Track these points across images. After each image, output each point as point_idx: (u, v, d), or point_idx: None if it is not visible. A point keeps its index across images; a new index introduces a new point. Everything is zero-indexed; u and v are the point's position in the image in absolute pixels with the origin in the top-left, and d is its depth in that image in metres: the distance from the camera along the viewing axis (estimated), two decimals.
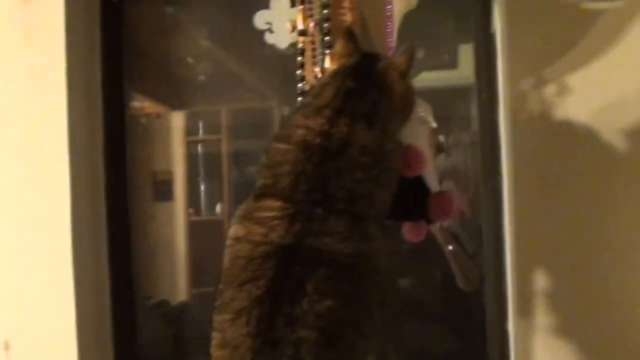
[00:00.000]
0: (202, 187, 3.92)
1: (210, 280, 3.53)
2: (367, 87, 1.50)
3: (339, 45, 1.59)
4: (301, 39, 1.81)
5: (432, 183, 1.80)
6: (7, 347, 2.60)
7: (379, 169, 1.44)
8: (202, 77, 3.53)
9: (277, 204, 1.37)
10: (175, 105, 3.68)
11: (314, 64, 1.78)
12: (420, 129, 1.84)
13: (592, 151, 2.28)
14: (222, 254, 3.42)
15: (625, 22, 2.30)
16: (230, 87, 3.46)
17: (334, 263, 1.33)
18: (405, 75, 1.55)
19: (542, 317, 2.31)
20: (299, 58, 1.82)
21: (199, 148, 3.92)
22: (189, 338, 3.36)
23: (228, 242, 1.42)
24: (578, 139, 2.29)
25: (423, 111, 1.89)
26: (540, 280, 2.32)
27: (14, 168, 2.69)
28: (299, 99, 1.78)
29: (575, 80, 2.29)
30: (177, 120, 3.72)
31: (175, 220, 3.68)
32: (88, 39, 2.80)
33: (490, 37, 2.44)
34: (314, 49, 1.79)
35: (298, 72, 1.82)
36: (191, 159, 3.89)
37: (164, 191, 3.74)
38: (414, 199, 1.75)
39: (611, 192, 2.17)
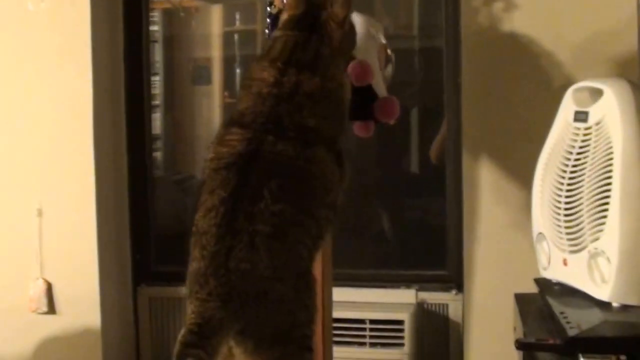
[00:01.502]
0: (238, 73, 4.32)
1: None
2: (310, 38, 1.85)
3: None
4: None
5: (380, 90, 2.23)
6: (40, 213, 3.13)
7: (322, 106, 1.82)
8: None
9: (239, 130, 1.77)
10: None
11: None
12: (370, 45, 2.29)
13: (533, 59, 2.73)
14: None
15: None
16: None
17: (285, 174, 1.72)
18: (342, 23, 1.88)
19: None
20: None
21: (236, 37, 4.33)
22: None
23: (203, 163, 1.81)
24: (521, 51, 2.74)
25: (373, 29, 2.33)
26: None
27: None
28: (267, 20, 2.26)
29: None
30: (215, 12, 4.14)
31: (212, 103, 4.12)
32: None
33: None
34: None
35: None
36: (228, 47, 4.30)
37: (202, 76, 4.16)
38: (363, 103, 2.22)
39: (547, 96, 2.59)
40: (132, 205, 3.36)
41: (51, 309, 3.12)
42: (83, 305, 3.11)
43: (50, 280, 3.12)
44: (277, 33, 1.91)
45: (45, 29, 3.11)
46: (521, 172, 2.63)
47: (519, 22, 2.73)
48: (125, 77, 3.33)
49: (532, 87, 2.74)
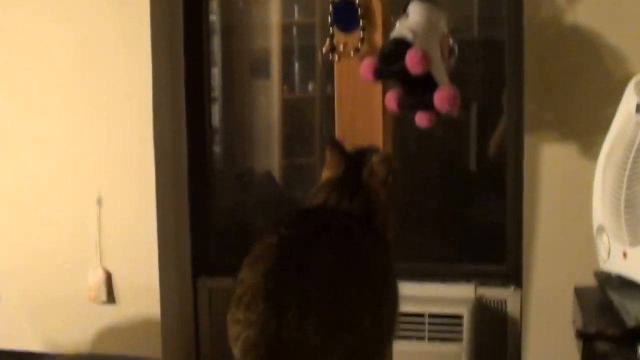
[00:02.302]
0: (297, 67, 4.38)
1: (298, 152, 4.11)
2: (353, 198, 1.83)
3: (328, 155, 1.91)
4: None
5: (441, 79, 2.29)
6: (100, 202, 3.20)
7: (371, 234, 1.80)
8: None
9: None
10: None
11: None
12: (431, 33, 2.33)
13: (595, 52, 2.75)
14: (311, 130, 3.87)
15: None
16: None
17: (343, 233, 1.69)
18: (385, 182, 1.85)
19: None
20: None
21: (294, 30, 4.39)
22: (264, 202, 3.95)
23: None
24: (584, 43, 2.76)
25: (435, 17, 2.37)
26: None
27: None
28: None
29: None
30: (274, 3, 4.20)
31: (271, 96, 4.19)
32: None
33: None
34: None
35: None
36: (287, 40, 4.36)
37: (260, 69, 4.23)
38: (424, 92, 2.28)
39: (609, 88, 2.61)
40: (192, 197, 3.42)
41: (110, 298, 3.19)
42: (143, 295, 3.17)
43: (110, 269, 3.19)
44: (317, 187, 1.90)
45: (105, 19, 3.17)
46: (583, 166, 2.65)
47: (582, 13, 2.74)
48: (185, 68, 3.39)
49: (595, 79, 2.75)
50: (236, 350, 1.51)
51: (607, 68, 2.74)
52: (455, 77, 2.35)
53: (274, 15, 4.20)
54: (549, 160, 2.83)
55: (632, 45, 2.71)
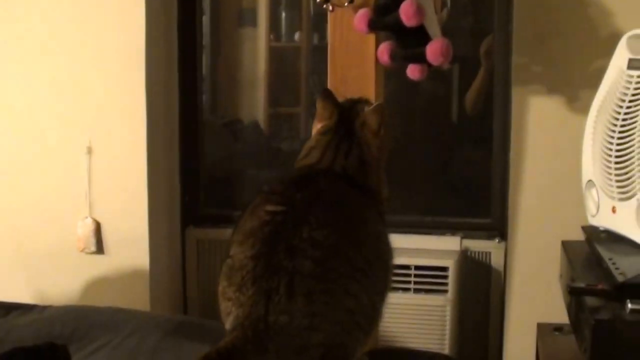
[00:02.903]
0: (284, 16, 4.35)
1: (285, 101, 4.11)
2: (350, 146, 1.83)
3: (319, 105, 1.91)
4: None
5: (434, 32, 2.29)
6: (90, 151, 3.16)
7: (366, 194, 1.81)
8: None
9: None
10: None
11: None
12: None
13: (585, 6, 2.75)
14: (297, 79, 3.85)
15: None
16: None
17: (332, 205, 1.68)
18: (377, 132, 1.85)
19: None
20: None
21: None
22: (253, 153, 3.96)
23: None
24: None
25: None
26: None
27: None
28: None
29: None
30: None
31: (258, 45, 4.16)
32: None
33: None
34: None
35: None
36: None
37: (248, 17, 4.20)
38: (416, 45, 2.28)
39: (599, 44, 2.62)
40: (182, 147, 3.41)
41: (99, 248, 3.18)
42: (131, 245, 3.17)
43: (99, 220, 3.18)
44: (310, 143, 1.89)
45: None
46: (571, 120, 2.67)
47: None
48: (178, 18, 3.36)
49: (584, 33, 2.75)
50: (227, 324, 1.55)
51: (597, 22, 2.74)
52: (447, 29, 2.35)
53: None
54: (536, 114, 2.85)
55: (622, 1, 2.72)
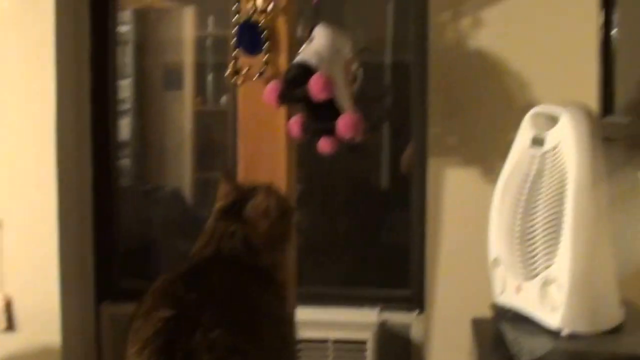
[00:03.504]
0: (210, 78, 4.35)
1: (211, 166, 4.08)
2: (235, 228, 1.85)
3: (220, 187, 1.97)
4: None
5: (345, 106, 2.28)
6: (1, 225, 3.10)
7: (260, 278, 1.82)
8: None
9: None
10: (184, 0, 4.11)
11: None
12: (335, 58, 2.32)
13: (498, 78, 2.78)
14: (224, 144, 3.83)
15: None
16: None
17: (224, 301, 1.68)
18: (266, 213, 1.88)
19: None
20: None
21: (207, 42, 4.37)
22: (173, 221, 3.90)
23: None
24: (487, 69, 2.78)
25: (340, 42, 2.37)
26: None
27: None
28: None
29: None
30: (188, 15, 4.17)
31: (184, 108, 4.14)
32: None
33: None
34: None
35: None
36: (200, 52, 4.33)
37: (173, 80, 4.19)
38: (326, 119, 2.27)
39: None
40: (96, 217, 3.32)
41: (10, 325, 3.10)
42: (43, 322, 3.08)
43: (10, 295, 3.10)
44: (208, 223, 1.93)
45: (5, 29, 3.08)
46: (485, 192, 2.66)
47: (485, 39, 2.77)
48: (91, 81, 3.29)
49: (498, 106, 2.78)
50: None
51: (510, 93, 2.77)
52: (366, 97, 2.36)
53: (187, 27, 4.18)
54: (452, 185, 2.85)
55: (534, 72, 2.75)
